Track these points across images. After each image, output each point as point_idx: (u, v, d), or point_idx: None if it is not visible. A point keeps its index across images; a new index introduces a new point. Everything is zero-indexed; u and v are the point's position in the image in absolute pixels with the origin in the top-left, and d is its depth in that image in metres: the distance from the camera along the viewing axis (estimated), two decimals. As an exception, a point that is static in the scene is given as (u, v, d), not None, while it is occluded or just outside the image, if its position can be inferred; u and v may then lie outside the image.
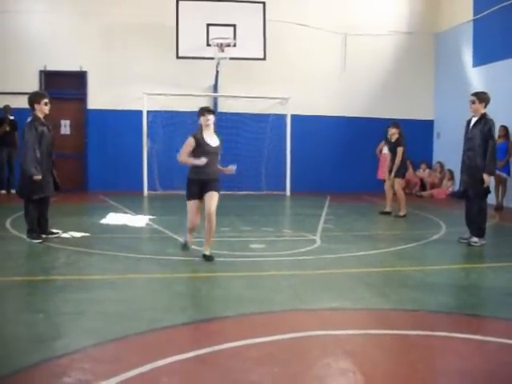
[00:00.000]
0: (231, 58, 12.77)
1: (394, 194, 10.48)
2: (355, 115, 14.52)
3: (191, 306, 4.49)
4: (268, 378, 3.24)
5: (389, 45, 14.74)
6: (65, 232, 7.72)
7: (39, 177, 7.03)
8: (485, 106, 7.30)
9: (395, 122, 10.63)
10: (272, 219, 9.70)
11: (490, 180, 7.17)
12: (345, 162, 14.48)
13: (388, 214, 10.45)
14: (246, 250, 6.78)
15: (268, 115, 13.79)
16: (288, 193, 13.74)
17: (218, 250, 6.61)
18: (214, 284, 5.22)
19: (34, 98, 7.25)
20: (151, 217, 9.66)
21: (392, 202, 10.49)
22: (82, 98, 13.75)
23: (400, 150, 10.16)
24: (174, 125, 13.26)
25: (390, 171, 10.45)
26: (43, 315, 4.26)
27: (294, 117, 13.75)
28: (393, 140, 10.43)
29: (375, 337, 3.91)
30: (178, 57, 12.84)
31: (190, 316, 4.23)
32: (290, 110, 13.72)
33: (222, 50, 12.72)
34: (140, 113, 13.02)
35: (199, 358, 3.42)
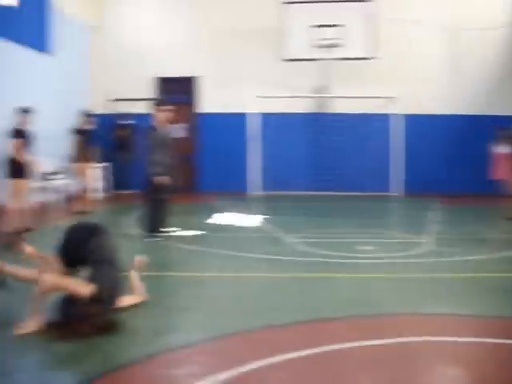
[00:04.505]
0: (339, 59, 12.71)
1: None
2: (467, 113, 13.84)
3: (301, 306, 4.53)
4: (377, 381, 3.19)
5: (502, 38, 13.94)
6: (180, 231, 8.06)
7: (161, 178, 7.39)
8: None
9: None
10: (379, 221, 9.53)
11: None
12: (456, 162, 13.86)
13: None
14: (353, 251, 6.71)
15: (376, 115, 13.55)
16: (396, 194, 13.42)
17: (325, 251, 6.64)
18: (323, 285, 5.24)
19: (154, 105, 7.66)
20: (262, 217, 9.82)
21: None
22: (193, 102, 14.32)
23: None
24: (283, 126, 13.41)
25: None
26: (160, 309, 4.49)
27: (402, 116, 13.39)
28: None
29: (484, 345, 3.71)
30: (285, 59, 12.99)
31: (300, 316, 4.25)
32: (398, 109, 13.38)
33: (330, 51, 12.69)
34: (249, 115, 13.29)
35: (308, 357, 3.43)
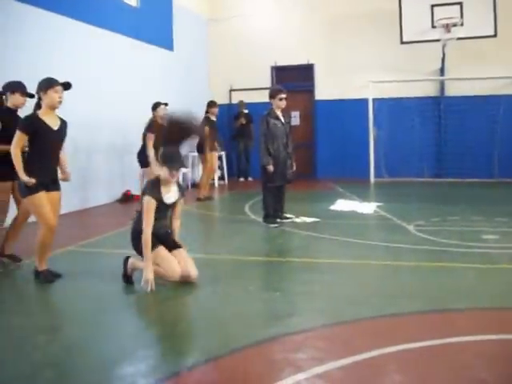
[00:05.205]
0: (458, 38, 12.15)
1: None
2: None
3: (419, 295, 4.46)
4: (501, 378, 3.04)
5: None
6: (297, 217, 8.19)
7: (270, 167, 7.57)
8: None
9: None
10: (506, 209, 9.01)
11: None
12: None
13: None
14: (478, 240, 6.44)
15: (500, 96, 12.77)
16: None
17: (445, 239, 6.47)
18: (443, 274, 5.11)
19: (270, 93, 7.82)
20: (378, 204, 9.72)
21: None
22: (309, 89, 14.38)
23: None
24: (400, 111, 13.11)
25: None
26: (280, 293, 4.62)
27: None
28: None
29: None
30: (402, 42, 12.65)
31: (418, 305, 4.20)
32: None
33: (449, 31, 12.17)
34: (365, 101, 13.10)
35: (427, 349, 3.37)
